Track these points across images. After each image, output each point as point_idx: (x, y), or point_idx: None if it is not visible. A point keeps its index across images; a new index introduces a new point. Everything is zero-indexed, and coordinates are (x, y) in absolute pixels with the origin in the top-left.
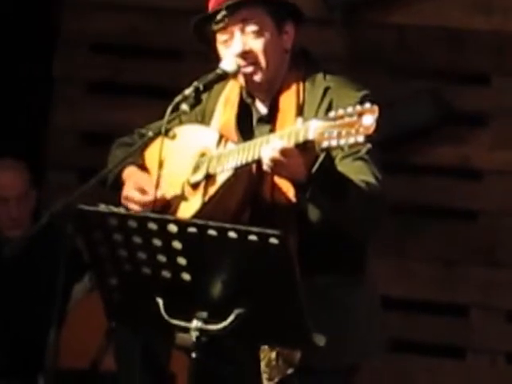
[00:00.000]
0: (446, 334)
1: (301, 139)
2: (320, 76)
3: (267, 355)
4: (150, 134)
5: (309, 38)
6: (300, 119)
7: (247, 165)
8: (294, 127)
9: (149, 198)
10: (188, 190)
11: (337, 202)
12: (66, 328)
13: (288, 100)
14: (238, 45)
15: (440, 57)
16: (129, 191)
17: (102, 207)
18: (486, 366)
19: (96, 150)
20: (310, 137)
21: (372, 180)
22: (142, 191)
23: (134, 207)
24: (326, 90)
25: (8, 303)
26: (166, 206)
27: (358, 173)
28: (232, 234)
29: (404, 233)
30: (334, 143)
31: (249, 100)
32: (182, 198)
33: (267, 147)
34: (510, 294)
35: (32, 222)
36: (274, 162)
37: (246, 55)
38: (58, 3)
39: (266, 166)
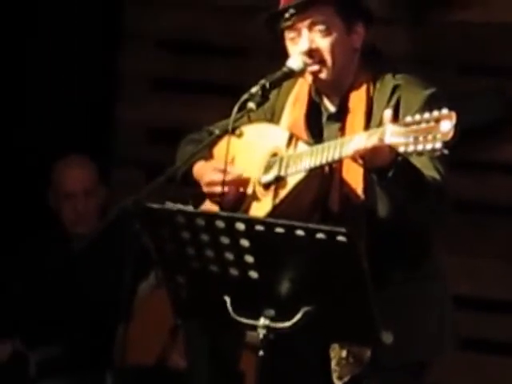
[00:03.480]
0: None
1: (377, 143)
2: (389, 74)
3: (338, 354)
4: (217, 131)
5: (374, 37)
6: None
7: (321, 167)
8: (370, 131)
9: (231, 176)
10: (259, 189)
11: (409, 191)
12: (132, 325)
13: (357, 98)
14: (304, 43)
15: (505, 53)
16: (210, 176)
17: (170, 205)
18: None
19: (161, 147)
20: (387, 141)
21: (436, 175)
22: (223, 172)
23: (219, 189)
24: (395, 87)
25: (76, 299)
26: (237, 205)
27: (423, 167)
28: (300, 232)
29: (471, 231)
30: (410, 149)
31: (317, 98)
32: (253, 197)
33: (355, 144)
34: None
35: (100, 219)
36: (366, 155)
37: (313, 53)
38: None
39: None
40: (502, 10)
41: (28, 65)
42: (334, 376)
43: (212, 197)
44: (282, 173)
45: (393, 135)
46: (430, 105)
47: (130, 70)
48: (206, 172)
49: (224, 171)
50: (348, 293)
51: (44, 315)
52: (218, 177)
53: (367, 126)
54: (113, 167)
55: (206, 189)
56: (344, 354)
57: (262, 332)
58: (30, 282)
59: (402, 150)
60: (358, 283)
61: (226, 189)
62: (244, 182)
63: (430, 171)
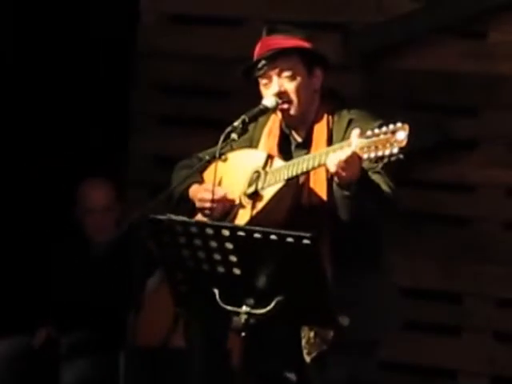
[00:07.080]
0: (444, 316)
1: (349, 153)
2: (345, 110)
3: (307, 334)
4: (207, 157)
5: (333, 80)
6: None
7: (297, 176)
8: (338, 144)
9: (218, 195)
10: (245, 199)
11: (369, 199)
12: (141, 313)
13: (320, 130)
14: (275, 87)
15: (440, 94)
16: (202, 194)
17: (170, 216)
18: (478, 343)
19: (166, 172)
20: (354, 148)
21: (387, 188)
22: (211, 192)
23: (208, 205)
24: (350, 121)
25: (97, 293)
26: (227, 213)
27: (378, 182)
28: (273, 237)
29: (411, 235)
30: (372, 155)
31: (287, 130)
32: (240, 206)
33: (334, 156)
34: (497, 284)
35: (117, 229)
36: (342, 166)
37: (282, 95)
38: (135, 54)
39: (334, 169)
40: (439, 60)
41: (60, 103)
42: (304, 352)
43: (203, 210)
44: (264, 184)
45: (358, 145)
46: None
47: (141, 109)
48: (199, 191)
49: (212, 191)
50: (311, 285)
51: (72, 306)
52: (208, 195)
53: None
54: (127, 189)
55: (198, 204)
56: (312, 334)
57: (244, 317)
58: (61, 280)
59: (365, 156)
60: (318, 278)
61: (214, 204)
62: (228, 200)
63: (383, 185)
